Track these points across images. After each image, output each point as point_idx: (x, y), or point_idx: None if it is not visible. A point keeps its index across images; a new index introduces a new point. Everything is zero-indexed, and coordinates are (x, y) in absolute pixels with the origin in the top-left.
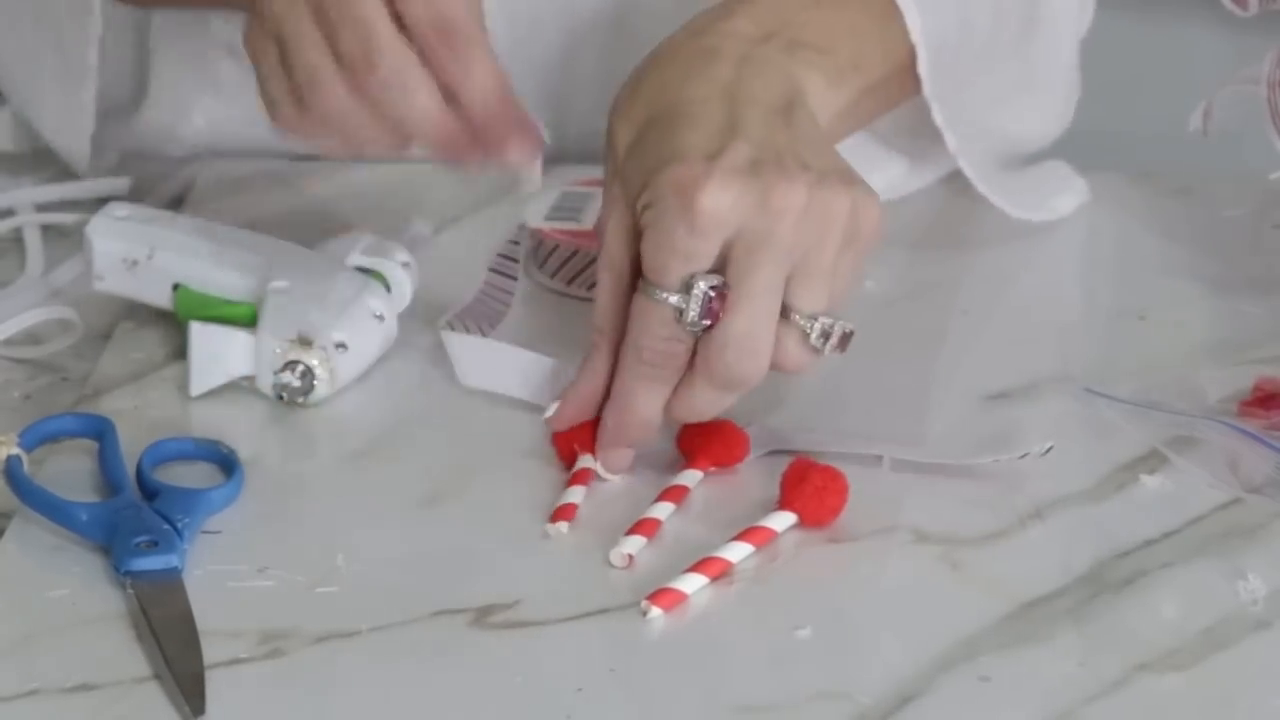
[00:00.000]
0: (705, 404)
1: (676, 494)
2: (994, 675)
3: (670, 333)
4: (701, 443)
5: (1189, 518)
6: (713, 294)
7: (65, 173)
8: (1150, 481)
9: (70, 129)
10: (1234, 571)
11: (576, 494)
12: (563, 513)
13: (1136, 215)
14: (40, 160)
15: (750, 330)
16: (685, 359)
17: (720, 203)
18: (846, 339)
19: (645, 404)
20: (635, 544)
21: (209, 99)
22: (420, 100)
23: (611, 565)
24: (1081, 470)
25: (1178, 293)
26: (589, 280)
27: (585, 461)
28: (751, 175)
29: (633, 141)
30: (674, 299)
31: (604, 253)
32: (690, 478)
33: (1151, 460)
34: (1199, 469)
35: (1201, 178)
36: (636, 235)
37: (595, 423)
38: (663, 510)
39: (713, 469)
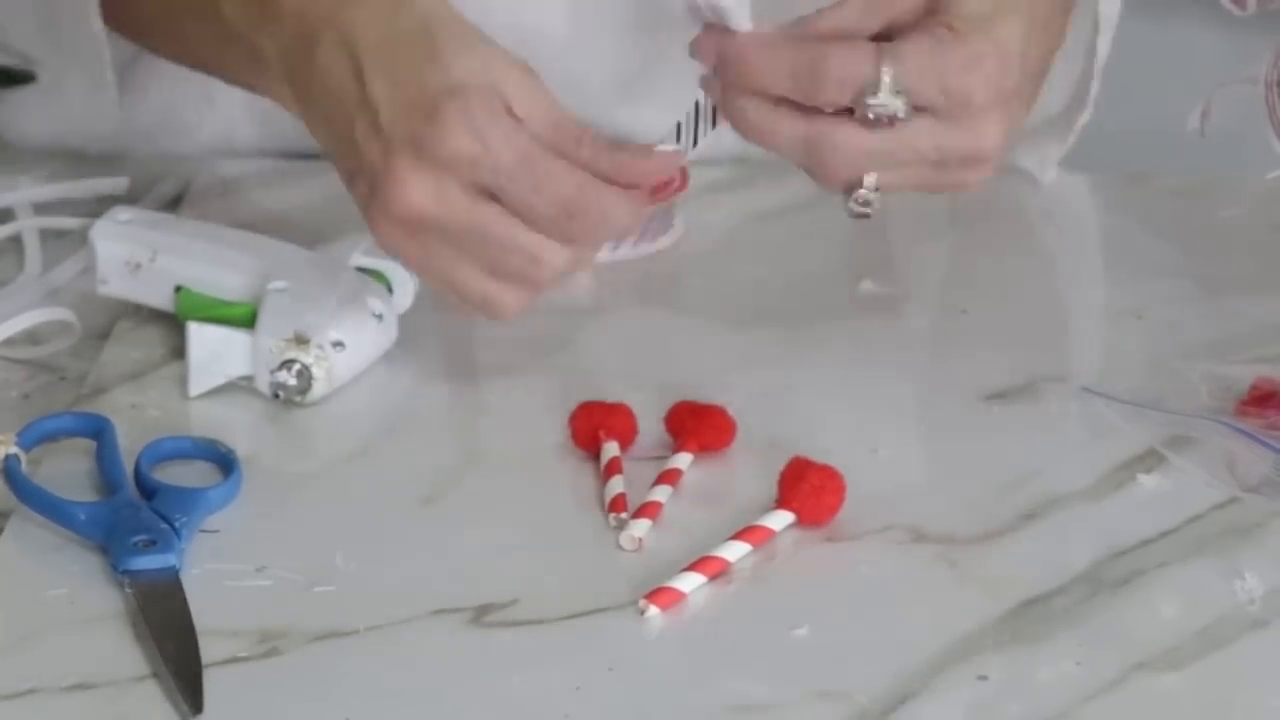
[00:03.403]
0: None
1: (671, 477)
2: (991, 674)
3: None
4: (693, 426)
5: (1186, 517)
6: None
7: (63, 172)
8: (1148, 481)
9: (95, 100)
10: (1231, 571)
11: (620, 484)
12: (618, 504)
13: (1135, 215)
14: (39, 159)
15: None
16: None
17: None
18: None
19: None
20: (642, 527)
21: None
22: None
23: (621, 548)
24: (1079, 469)
25: (1175, 292)
26: None
27: (612, 450)
28: None
29: None
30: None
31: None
32: (682, 460)
33: (1149, 459)
34: (1196, 468)
35: (1200, 178)
36: None
37: (616, 409)
38: (662, 493)
39: (701, 452)
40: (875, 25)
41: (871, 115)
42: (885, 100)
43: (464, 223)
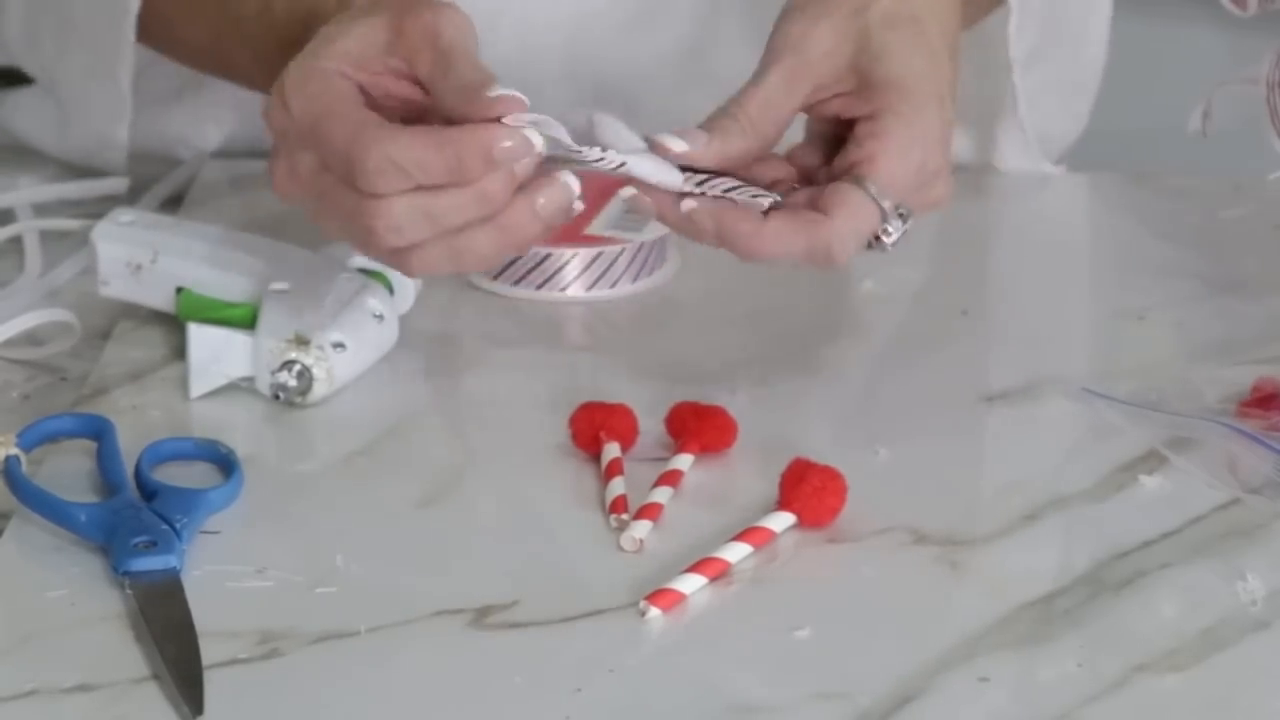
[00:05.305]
0: None
1: (672, 478)
2: (993, 676)
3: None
4: (694, 427)
5: (1188, 518)
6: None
7: (62, 172)
8: (1149, 482)
9: (109, 128)
10: (1233, 572)
11: (620, 485)
12: (619, 505)
13: (1136, 215)
14: (37, 160)
15: None
16: None
17: None
18: None
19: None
20: (643, 528)
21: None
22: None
23: (622, 550)
24: (1081, 471)
25: (1177, 293)
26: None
27: (613, 451)
28: None
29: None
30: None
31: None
32: (683, 462)
33: (1150, 461)
34: (1198, 469)
35: (1201, 178)
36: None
37: (616, 409)
38: (662, 495)
39: (702, 453)
40: (800, 97)
41: (891, 248)
42: (898, 235)
43: (312, 194)
